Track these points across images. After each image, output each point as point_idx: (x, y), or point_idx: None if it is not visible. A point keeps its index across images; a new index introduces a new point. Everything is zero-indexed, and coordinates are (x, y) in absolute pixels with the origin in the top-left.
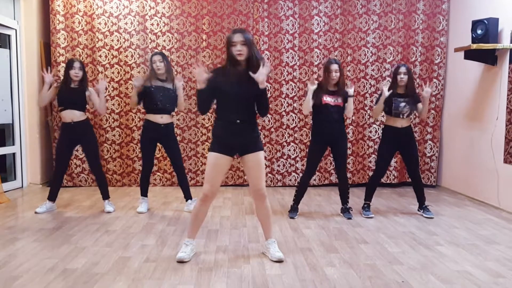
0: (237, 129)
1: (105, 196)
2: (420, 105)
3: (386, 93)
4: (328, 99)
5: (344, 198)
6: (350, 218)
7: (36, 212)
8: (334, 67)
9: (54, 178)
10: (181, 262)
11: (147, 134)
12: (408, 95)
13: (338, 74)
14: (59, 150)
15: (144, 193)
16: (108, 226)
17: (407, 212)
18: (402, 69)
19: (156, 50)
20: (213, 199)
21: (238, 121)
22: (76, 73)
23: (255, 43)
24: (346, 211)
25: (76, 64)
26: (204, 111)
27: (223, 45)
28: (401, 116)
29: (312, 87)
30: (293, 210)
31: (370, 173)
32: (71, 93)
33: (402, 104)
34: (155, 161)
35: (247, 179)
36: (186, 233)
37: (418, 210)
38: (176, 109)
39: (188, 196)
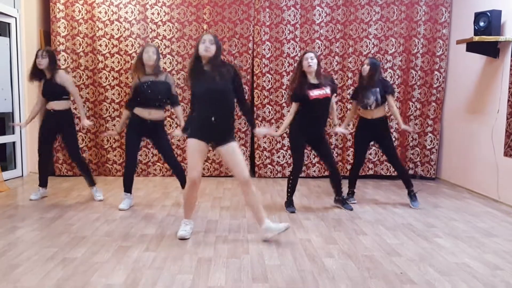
0: (212, 125)
1: (91, 183)
2: (391, 101)
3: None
4: (315, 93)
5: (339, 189)
6: (351, 209)
7: (30, 199)
8: (310, 55)
9: (39, 165)
10: (182, 239)
11: (132, 128)
12: (375, 86)
13: (315, 61)
14: (40, 137)
15: (127, 189)
16: (108, 216)
17: (406, 204)
18: (366, 61)
19: (148, 43)
20: (200, 182)
21: (212, 118)
22: (39, 61)
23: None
24: (344, 202)
25: (39, 52)
26: None
27: (224, 35)
28: (369, 108)
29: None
30: (290, 203)
31: (348, 166)
32: (46, 85)
33: (367, 96)
34: (155, 151)
35: (228, 168)
36: (183, 215)
37: (407, 197)
38: (169, 105)
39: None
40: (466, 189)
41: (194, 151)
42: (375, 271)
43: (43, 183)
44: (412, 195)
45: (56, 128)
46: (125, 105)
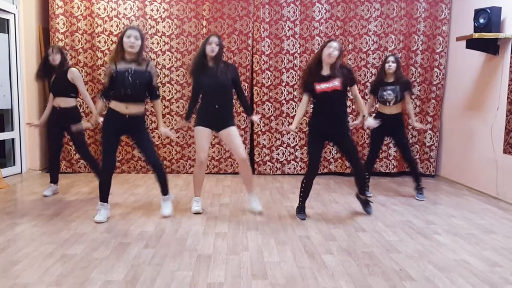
0: (215, 112)
1: None
2: (408, 98)
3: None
4: (322, 86)
5: (363, 188)
6: (370, 214)
7: (44, 195)
8: (334, 44)
9: (49, 162)
10: (197, 213)
11: (109, 125)
12: (396, 83)
13: (336, 53)
14: (48, 135)
15: (104, 198)
16: None
17: (405, 201)
18: (391, 58)
19: (131, 25)
20: (206, 163)
21: (216, 106)
22: (53, 57)
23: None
24: (366, 204)
25: (50, 50)
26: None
27: (223, 32)
28: (387, 104)
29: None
30: (302, 209)
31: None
32: (55, 82)
33: (388, 92)
34: (154, 148)
35: (228, 149)
36: (194, 193)
37: (414, 191)
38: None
39: (165, 191)
40: (466, 186)
41: (201, 136)
42: (374, 268)
43: (54, 180)
44: (419, 189)
45: (62, 125)
46: (99, 95)
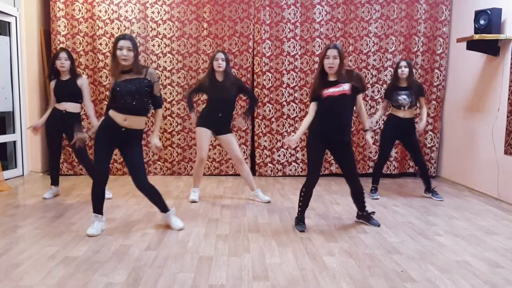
0: (218, 119)
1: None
2: (422, 102)
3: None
4: (330, 90)
5: (361, 204)
6: (379, 225)
7: (44, 198)
8: (332, 52)
9: (49, 164)
10: (193, 202)
11: (102, 135)
12: (409, 88)
13: (337, 61)
14: (48, 138)
15: (97, 209)
16: (109, 215)
17: (406, 202)
18: (403, 63)
19: (122, 34)
20: (206, 160)
21: (220, 115)
22: (62, 63)
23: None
24: (369, 218)
25: (62, 55)
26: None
27: (224, 34)
28: (402, 108)
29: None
30: (300, 220)
31: (371, 163)
32: (63, 86)
33: (403, 97)
34: (144, 167)
35: (226, 151)
36: (193, 184)
37: (425, 193)
38: (151, 111)
39: (163, 209)
40: (467, 187)
41: (203, 137)
42: (375, 269)
43: (54, 182)
44: (432, 191)
45: (63, 129)
46: (105, 111)
